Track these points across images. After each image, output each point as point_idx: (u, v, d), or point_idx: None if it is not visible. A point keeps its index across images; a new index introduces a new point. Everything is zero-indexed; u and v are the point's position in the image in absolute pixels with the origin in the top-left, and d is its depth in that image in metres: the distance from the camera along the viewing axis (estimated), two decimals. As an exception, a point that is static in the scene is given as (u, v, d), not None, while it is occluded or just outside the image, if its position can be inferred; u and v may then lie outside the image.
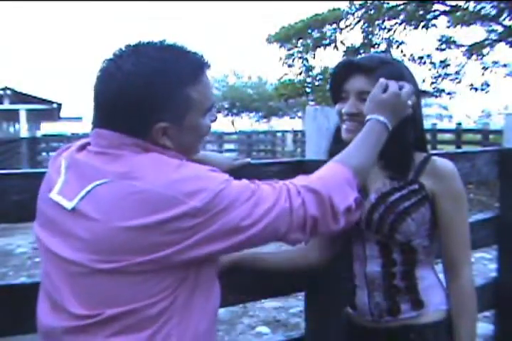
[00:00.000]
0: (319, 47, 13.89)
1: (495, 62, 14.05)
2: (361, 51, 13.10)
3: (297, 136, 17.92)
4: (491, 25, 13.30)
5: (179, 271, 1.00)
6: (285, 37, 14.02)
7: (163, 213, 0.94)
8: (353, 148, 1.20)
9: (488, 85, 13.93)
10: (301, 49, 14.03)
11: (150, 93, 1.01)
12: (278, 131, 22.29)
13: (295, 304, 4.14)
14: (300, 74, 14.20)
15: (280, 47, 14.26)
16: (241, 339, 3.69)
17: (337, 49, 13.85)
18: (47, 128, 32.93)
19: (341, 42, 13.82)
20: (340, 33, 13.76)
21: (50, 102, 21.71)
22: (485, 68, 13.91)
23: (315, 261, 1.52)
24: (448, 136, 15.67)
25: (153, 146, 1.04)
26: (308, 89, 14.15)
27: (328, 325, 1.76)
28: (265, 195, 1.03)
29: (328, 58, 15.39)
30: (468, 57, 13.73)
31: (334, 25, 13.68)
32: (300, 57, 14.10)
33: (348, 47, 13.66)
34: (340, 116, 1.37)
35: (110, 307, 0.98)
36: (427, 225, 1.36)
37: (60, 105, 22.85)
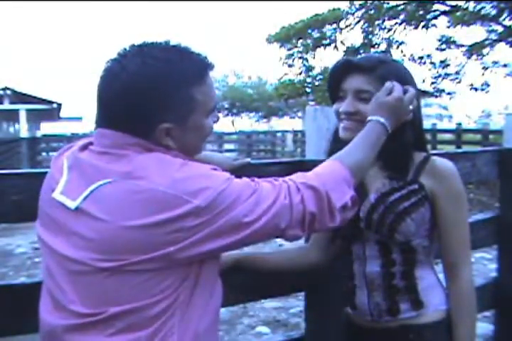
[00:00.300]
0: (319, 47, 13.89)
1: (495, 62, 14.05)
2: (361, 51, 13.10)
3: (297, 136, 17.93)
4: (491, 25, 13.29)
5: (180, 270, 1.01)
6: (285, 37, 14.02)
7: (167, 212, 0.95)
8: (351, 147, 1.21)
9: (488, 85, 13.94)
10: (301, 49, 14.04)
11: (154, 94, 1.02)
12: (278, 131, 22.30)
13: (295, 304, 4.14)
14: (300, 74, 14.21)
15: (280, 47, 14.27)
16: (241, 339, 3.69)
17: (337, 49, 13.86)
18: (47, 128, 32.93)
19: (341, 42, 13.83)
20: (340, 33, 13.76)
21: (50, 102, 21.70)
22: (485, 68, 13.91)
23: (315, 260, 1.52)
24: (448, 136, 15.66)
25: (156, 146, 1.04)
26: (308, 89, 14.15)
27: (328, 325, 1.76)
28: (265, 193, 1.03)
29: (328, 58, 15.41)
30: (468, 57, 13.73)
31: (334, 25, 13.69)
32: (300, 57, 14.10)
33: (348, 47, 13.66)
34: (338, 115, 1.38)
35: (112, 305, 0.98)
36: (427, 225, 1.36)
37: (60, 105, 22.84)
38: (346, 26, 13.61)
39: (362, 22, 13.27)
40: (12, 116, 22.25)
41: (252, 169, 1.55)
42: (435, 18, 13.14)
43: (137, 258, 0.96)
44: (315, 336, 1.79)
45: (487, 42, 13.59)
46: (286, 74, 14.47)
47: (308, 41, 13.97)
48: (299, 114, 35.01)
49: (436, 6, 12.95)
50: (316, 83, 13.73)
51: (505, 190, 2.59)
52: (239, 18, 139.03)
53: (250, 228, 1.01)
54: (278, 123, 38.81)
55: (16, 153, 15.23)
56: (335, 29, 13.77)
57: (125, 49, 1.07)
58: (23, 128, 20.73)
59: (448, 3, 12.80)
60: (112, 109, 1.04)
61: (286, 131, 20.13)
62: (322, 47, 13.91)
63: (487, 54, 13.80)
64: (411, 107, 1.30)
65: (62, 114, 27.70)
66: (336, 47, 13.83)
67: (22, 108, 20.80)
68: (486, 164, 2.40)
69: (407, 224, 1.33)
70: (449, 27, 13.47)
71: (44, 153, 16.37)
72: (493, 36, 13.51)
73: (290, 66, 14.27)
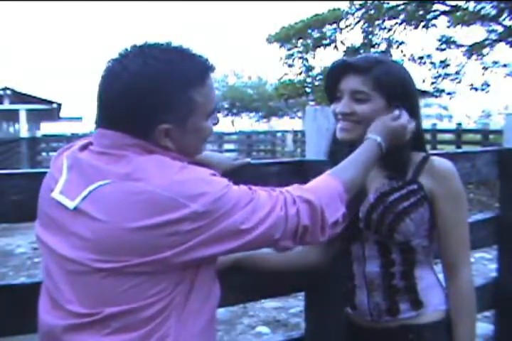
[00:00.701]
0: (319, 47, 13.90)
1: (495, 62, 14.04)
2: (361, 51, 13.10)
3: (297, 136, 17.92)
4: (491, 25, 13.28)
5: (174, 275, 1.01)
6: (285, 37, 14.03)
7: (164, 215, 0.95)
8: (348, 163, 1.23)
9: (488, 85, 13.94)
10: (301, 49, 14.04)
11: (155, 94, 1.02)
12: (278, 131, 22.29)
13: (295, 304, 4.14)
14: (300, 74, 14.22)
15: (280, 47, 14.28)
16: (241, 339, 3.69)
17: (337, 49, 13.87)
18: (47, 128, 32.89)
19: (341, 42, 13.84)
20: (341, 33, 13.77)
21: (50, 102, 21.72)
22: (485, 68, 13.90)
23: (315, 261, 1.52)
24: (448, 136, 15.66)
25: (155, 147, 1.04)
26: (308, 89, 14.17)
27: (328, 325, 1.76)
28: (262, 202, 1.04)
29: (328, 58, 15.42)
30: (468, 57, 13.72)
31: (334, 25, 13.69)
32: (300, 57, 14.11)
33: (348, 47, 13.67)
34: (335, 116, 1.38)
35: (109, 306, 0.98)
36: (426, 225, 1.37)
37: (60, 105, 22.86)
38: (346, 26, 13.61)
39: (362, 22, 13.28)
40: (12, 116, 22.26)
41: (252, 169, 1.55)
42: (435, 18, 13.14)
43: (134, 261, 0.96)
44: (315, 336, 1.79)
45: (487, 42, 13.58)
46: (286, 74, 14.49)
47: (308, 41, 13.98)
48: (299, 114, 35.00)
49: (436, 6, 12.95)
50: (316, 83, 13.73)
51: (505, 190, 2.59)
52: (239, 18, 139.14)
53: (247, 235, 1.01)
54: (278, 123, 38.80)
55: (15, 153, 15.23)
56: (335, 29, 13.78)
57: (126, 49, 1.06)
58: (23, 128, 20.75)
59: (448, 3, 12.80)
60: (113, 108, 1.04)
61: (286, 131, 20.12)
62: (322, 47, 13.92)
63: (487, 54, 13.79)
64: (407, 137, 1.33)
65: (62, 114, 27.70)
66: (336, 47, 13.84)
67: (22, 108, 20.82)
68: (486, 164, 2.40)
69: (407, 224, 1.33)
70: (449, 27, 13.47)
71: (44, 153, 16.34)
72: (493, 36, 13.50)
73: (290, 66, 14.28)
